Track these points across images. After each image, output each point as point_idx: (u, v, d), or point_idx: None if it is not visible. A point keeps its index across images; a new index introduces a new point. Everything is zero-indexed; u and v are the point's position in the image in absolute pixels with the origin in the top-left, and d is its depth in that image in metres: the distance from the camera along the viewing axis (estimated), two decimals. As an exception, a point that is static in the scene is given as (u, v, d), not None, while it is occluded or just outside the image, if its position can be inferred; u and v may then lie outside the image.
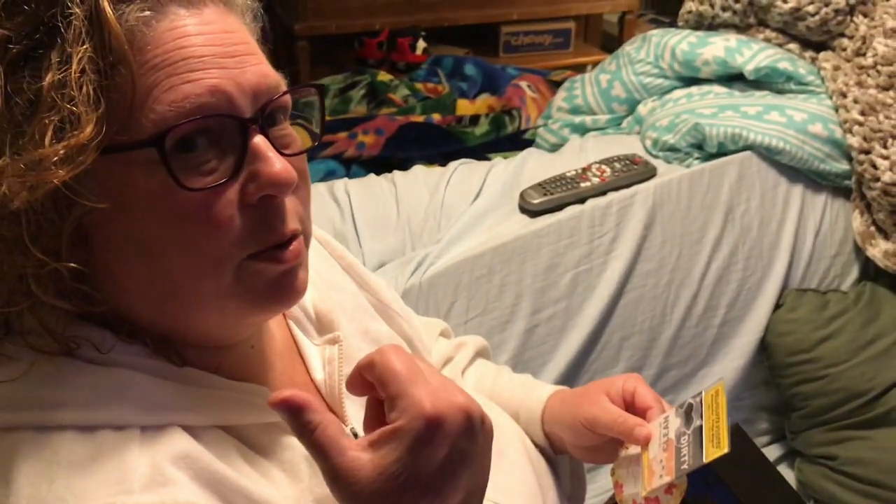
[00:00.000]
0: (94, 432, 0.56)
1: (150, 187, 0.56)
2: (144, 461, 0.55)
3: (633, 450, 0.78)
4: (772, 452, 1.41)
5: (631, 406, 0.81)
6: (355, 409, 0.72)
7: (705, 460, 0.70)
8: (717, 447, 0.70)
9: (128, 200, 0.57)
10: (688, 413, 0.74)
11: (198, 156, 0.57)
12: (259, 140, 0.58)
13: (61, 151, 0.53)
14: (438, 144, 1.82)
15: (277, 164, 0.57)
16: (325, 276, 0.80)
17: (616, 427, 0.79)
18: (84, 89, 0.54)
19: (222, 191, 0.57)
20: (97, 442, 0.55)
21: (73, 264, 0.57)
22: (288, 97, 0.62)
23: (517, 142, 1.83)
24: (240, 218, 0.58)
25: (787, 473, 1.37)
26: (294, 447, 0.65)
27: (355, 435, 0.70)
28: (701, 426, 0.72)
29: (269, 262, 0.59)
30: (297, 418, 0.54)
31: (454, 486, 0.54)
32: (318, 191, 1.32)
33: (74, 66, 0.54)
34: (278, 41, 2.50)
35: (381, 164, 1.72)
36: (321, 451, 0.53)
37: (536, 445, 0.88)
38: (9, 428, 0.56)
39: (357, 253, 1.25)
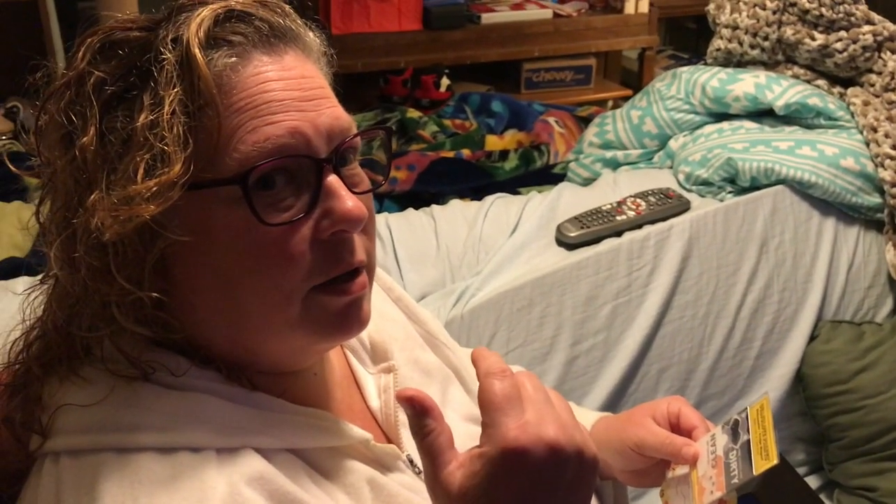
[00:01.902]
0: (173, 454, 0.58)
1: (230, 222, 0.59)
2: (222, 481, 0.57)
3: (681, 470, 0.79)
4: (810, 483, 1.41)
5: (676, 427, 0.82)
6: (410, 437, 0.73)
7: (755, 472, 0.71)
8: (766, 459, 0.71)
9: (209, 234, 0.59)
10: (734, 429, 0.75)
11: (276, 193, 0.60)
12: (333, 179, 0.61)
13: (152, 188, 0.56)
14: (469, 179, 1.84)
15: (349, 201, 0.60)
16: (377, 308, 0.82)
17: (664, 448, 0.80)
18: (174, 130, 0.57)
19: (298, 226, 0.60)
20: (176, 463, 0.58)
21: (154, 293, 0.59)
22: (358, 139, 0.65)
23: (546, 176, 1.85)
24: (311, 252, 0.60)
25: (826, 505, 1.38)
26: (357, 471, 0.67)
27: (411, 462, 0.72)
28: (748, 440, 0.73)
29: (335, 295, 0.62)
30: (420, 419, 0.56)
31: None
32: (360, 226, 1.34)
33: (166, 108, 0.57)
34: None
35: (413, 198, 1.75)
36: (429, 456, 0.56)
37: None
38: (92, 450, 0.59)
39: (399, 286, 1.27)
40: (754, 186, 1.43)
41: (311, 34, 0.67)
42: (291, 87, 0.61)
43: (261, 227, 0.59)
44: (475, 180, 1.84)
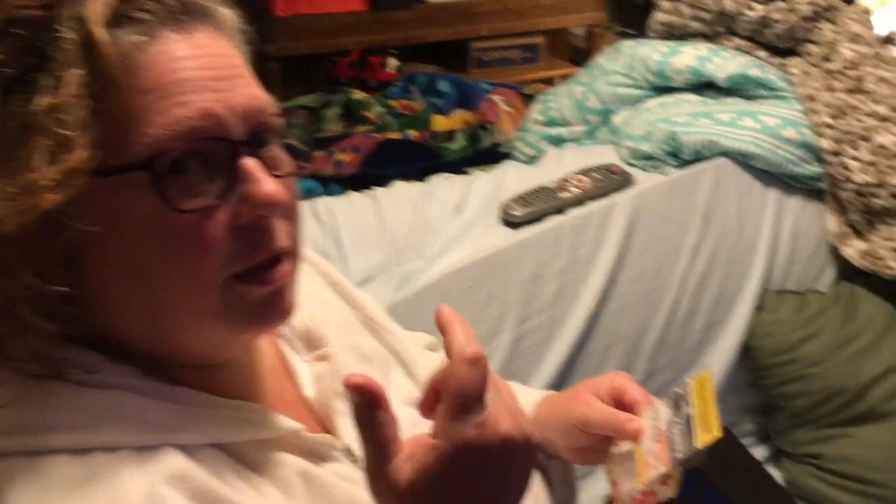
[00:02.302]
0: (88, 454, 0.56)
1: (141, 210, 0.56)
2: (140, 481, 0.55)
3: (626, 446, 0.79)
4: (757, 453, 1.42)
5: (620, 403, 0.81)
6: (347, 426, 0.72)
7: (698, 446, 0.71)
8: (708, 432, 0.71)
9: (119, 223, 0.57)
10: (676, 403, 0.75)
11: (188, 178, 0.57)
12: (249, 162, 0.58)
13: (54, 175, 0.53)
14: (416, 160, 1.82)
15: (268, 185, 0.58)
16: (312, 294, 0.80)
17: (607, 424, 0.79)
18: (76, 113, 0.54)
19: (213, 212, 0.57)
20: (91, 464, 0.55)
21: (62, 287, 0.57)
22: (278, 119, 0.62)
23: (493, 155, 1.84)
24: (228, 239, 0.58)
25: (774, 473, 1.39)
26: (287, 463, 0.65)
27: (350, 453, 0.70)
28: (691, 413, 0.72)
29: (255, 284, 0.59)
30: (366, 408, 0.54)
31: None
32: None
33: (66, 90, 0.54)
34: (252, 62, 2.49)
35: (359, 181, 1.72)
36: (374, 447, 0.54)
37: None
38: (0, 455, 0.56)
39: (342, 271, 1.24)
40: (697, 159, 1.44)
41: (225, 10, 0.64)
42: (203, 66, 0.58)
43: (173, 214, 0.56)
44: (422, 161, 1.82)
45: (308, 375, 0.74)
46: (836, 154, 1.38)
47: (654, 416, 0.77)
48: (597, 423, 0.80)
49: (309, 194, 1.71)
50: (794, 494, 1.35)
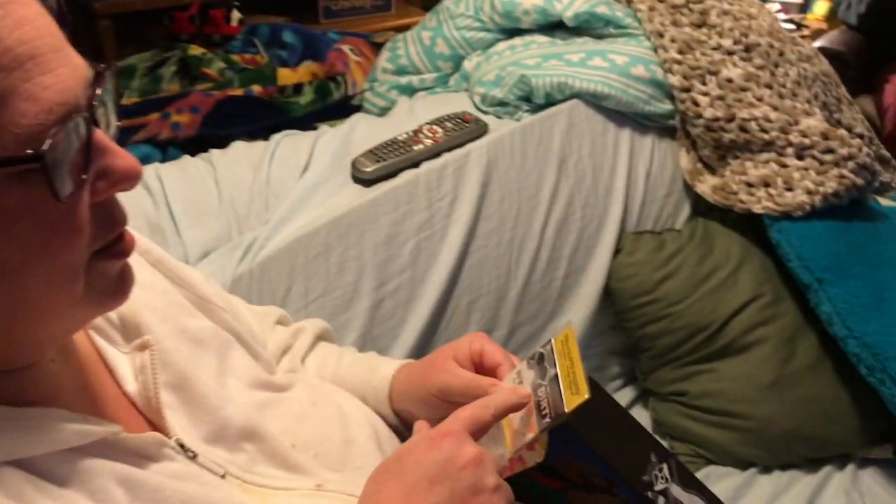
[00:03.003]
0: None
1: (11, 202, 0.50)
2: None
3: None
4: (626, 395, 1.43)
5: (480, 366, 0.78)
6: (177, 419, 0.66)
7: (567, 409, 0.68)
8: (576, 394, 0.68)
9: None
10: (540, 363, 0.72)
11: (56, 161, 0.50)
12: (100, 134, 0.53)
13: None
14: (261, 118, 1.71)
15: (127, 157, 0.55)
16: None
17: (469, 391, 0.76)
18: None
19: (82, 193, 0.53)
20: None
21: None
22: (109, 84, 0.56)
23: (345, 108, 1.75)
24: (91, 219, 0.54)
25: (642, 413, 1.40)
26: (103, 472, 0.57)
27: (182, 446, 0.64)
28: (556, 375, 0.69)
29: (113, 259, 0.57)
30: None
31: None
32: (127, 180, 1.19)
33: None
34: (77, 21, 2.29)
35: (201, 144, 1.60)
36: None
37: (390, 426, 0.83)
38: None
39: (177, 244, 1.14)
40: (549, 103, 1.40)
41: None
42: (43, 35, 0.51)
43: (51, 203, 0.50)
44: (269, 118, 1.71)
45: (128, 368, 0.67)
46: (685, 90, 1.37)
47: (517, 379, 0.73)
48: (457, 391, 0.77)
49: (146, 161, 1.57)
50: (661, 433, 1.37)
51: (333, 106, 1.78)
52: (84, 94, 0.53)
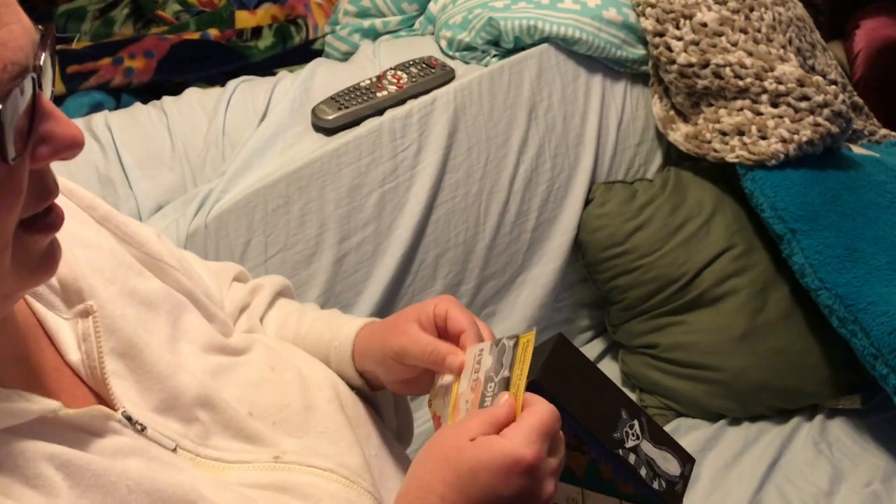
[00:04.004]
0: None
1: None
2: None
3: (449, 378, 0.73)
4: (596, 347, 1.42)
5: (444, 331, 0.75)
6: (124, 388, 0.62)
7: None
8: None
9: None
10: (500, 358, 0.70)
11: (5, 122, 0.47)
12: (45, 98, 0.51)
13: None
14: (219, 63, 1.64)
15: (69, 124, 0.51)
16: (73, 235, 0.67)
17: (426, 357, 0.73)
18: None
19: (26, 156, 0.49)
20: None
21: None
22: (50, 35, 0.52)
23: (306, 53, 1.68)
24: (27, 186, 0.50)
25: (612, 366, 1.39)
26: (39, 456, 0.53)
27: (129, 419, 0.60)
28: (508, 378, 0.67)
29: (41, 233, 0.54)
30: None
31: None
32: (74, 129, 1.13)
33: None
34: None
35: (155, 90, 1.54)
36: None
37: (353, 387, 0.81)
38: None
39: (129, 197, 1.09)
40: (519, 47, 1.34)
41: None
42: None
43: None
44: (226, 64, 1.64)
45: (71, 336, 0.63)
46: (659, 34, 1.32)
47: (478, 358, 0.71)
48: (415, 356, 0.74)
49: (98, 109, 1.51)
50: (631, 385, 1.36)
51: (294, 50, 1.71)
52: (32, 54, 0.49)
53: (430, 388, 0.76)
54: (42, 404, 0.55)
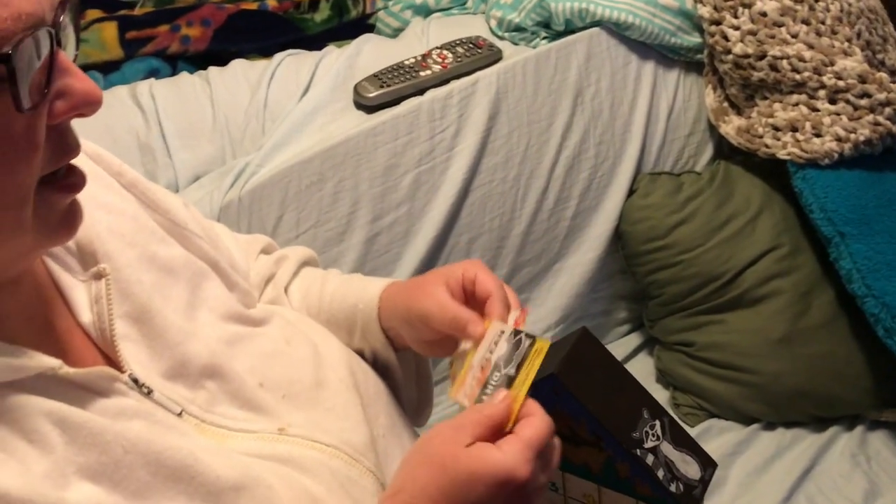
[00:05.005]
0: None
1: None
2: None
3: (468, 345, 0.72)
4: (632, 341, 1.39)
5: (472, 295, 0.74)
6: (134, 352, 0.63)
7: None
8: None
9: None
10: (515, 349, 0.68)
11: (21, 70, 0.49)
12: (63, 54, 0.52)
13: None
14: (274, 35, 1.64)
15: (86, 80, 0.52)
16: (94, 198, 0.68)
17: (448, 324, 0.72)
18: None
19: (43, 110, 0.51)
20: None
21: None
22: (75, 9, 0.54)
23: (361, 28, 1.68)
24: (45, 140, 0.52)
25: (647, 361, 1.36)
26: (37, 411, 0.54)
27: (135, 381, 0.61)
28: (513, 377, 0.67)
29: (63, 192, 0.55)
30: None
31: None
32: (118, 96, 1.15)
33: None
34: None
35: (211, 59, 1.55)
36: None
37: (376, 355, 0.82)
38: None
39: (167, 166, 1.11)
40: (569, 30, 1.31)
41: None
42: None
43: (11, 115, 0.48)
44: (282, 35, 1.64)
45: (84, 298, 0.64)
46: (715, 23, 1.27)
47: (496, 338, 0.70)
48: (438, 320, 0.73)
49: (154, 76, 1.53)
50: (665, 382, 1.33)
51: (350, 24, 1.71)
52: (51, 11, 0.50)
53: (453, 350, 0.75)
54: (40, 361, 0.56)
